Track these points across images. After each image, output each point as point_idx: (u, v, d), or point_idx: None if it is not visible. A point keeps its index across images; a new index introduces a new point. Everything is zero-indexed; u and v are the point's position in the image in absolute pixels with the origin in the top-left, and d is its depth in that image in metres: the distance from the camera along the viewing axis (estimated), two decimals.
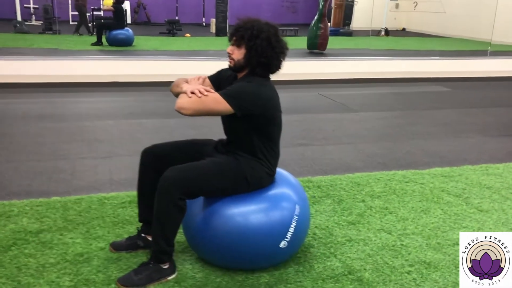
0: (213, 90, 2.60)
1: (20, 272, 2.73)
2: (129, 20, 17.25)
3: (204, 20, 18.95)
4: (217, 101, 2.54)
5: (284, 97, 8.06)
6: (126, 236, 3.13)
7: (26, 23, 14.40)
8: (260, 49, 2.63)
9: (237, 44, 2.68)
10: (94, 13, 14.92)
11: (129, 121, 6.21)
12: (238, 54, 2.68)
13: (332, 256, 3.03)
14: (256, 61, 2.66)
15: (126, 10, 13.19)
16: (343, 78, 9.89)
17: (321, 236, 3.28)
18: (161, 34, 15.71)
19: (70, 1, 15.85)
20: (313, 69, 10.27)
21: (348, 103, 7.82)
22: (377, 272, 2.87)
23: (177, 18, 17.50)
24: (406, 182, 4.31)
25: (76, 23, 14.37)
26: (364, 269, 2.90)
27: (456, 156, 5.16)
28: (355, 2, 18.72)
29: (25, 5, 14.75)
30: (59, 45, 10.48)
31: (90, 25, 14.18)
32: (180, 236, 3.06)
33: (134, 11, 19.09)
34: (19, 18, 14.00)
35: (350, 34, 17.89)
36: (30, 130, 5.60)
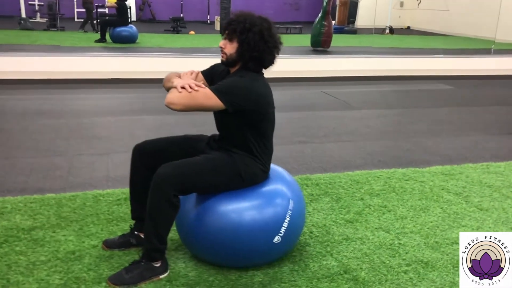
0: (203, 85, 2.55)
1: (10, 270, 2.69)
2: (134, 18, 17.28)
3: (208, 18, 18.94)
4: (208, 97, 2.50)
5: (286, 94, 7.95)
6: (120, 233, 3.09)
7: (31, 20, 14.42)
8: (253, 43, 2.58)
9: (229, 38, 2.64)
10: (99, 10, 14.91)
11: (129, 117, 6.17)
12: (231, 48, 2.63)
13: (328, 255, 2.98)
14: (248, 55, 2.61)
15: (130, 7, 13.18)
16: (346, 76, 9.83)
17: (317, 234, 3.23)
18: (166, 31, 15.70)
19: None
20: (316, 67, 10.23)
21: (350, 100, 7.76)
22: (374, 271, 2.82)
23: (182, 15, 17.49)
24: (406, 180, 4.25)
25: (81, 20, 14.38)
26: (360, 268, 2.85)
27: (457, 154, 5.10)
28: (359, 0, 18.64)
29: (29, 2, 14.75)
30: (62, 42, 10.46)
31: (95, 22, 14.18)
32: (173, 234, 3.03)
33: (139, 8, 19.11)
34: (23, 15, 14.00)
35: (354, 32, 17.82)
36: (28, 127, 5.58)
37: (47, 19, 14.14)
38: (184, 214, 2.72)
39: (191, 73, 2.82)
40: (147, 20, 19.08)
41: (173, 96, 2.48)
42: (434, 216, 3.57)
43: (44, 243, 2.98)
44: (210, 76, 2.86)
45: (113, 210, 3.46)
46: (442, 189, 4.07)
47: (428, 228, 3.38)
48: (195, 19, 18.96)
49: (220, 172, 2.64)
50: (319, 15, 12.32)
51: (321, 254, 2.99)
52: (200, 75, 2.87)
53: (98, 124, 5.79)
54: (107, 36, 12.17)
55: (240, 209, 2.66)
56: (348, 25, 18.55)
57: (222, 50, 2.68)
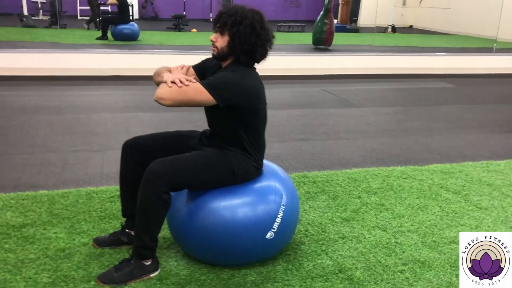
0: (194, 80, 2.49)
1: None
2: (136, 15, 17.24)
3: (211, 16, 18.91)
4: (198, 91, 2.44)
5: (287, 92, 7.91)
6: (111, 231, 3.04)
7: (34, 17, 14.40)
8: (244, 36, 2.52)
9: (220, 31, 2.58)
10: (100, 8, 14.87)
11: (126, 114, 6.13)
12: (222, 41, 2.57)
13: (323, 254, 2.93)
14: (240, 49, 2.55)
15: (132, 5, 13.14)
16: (347, 74, 9.77)
17: (313, 233, 3.18)
18: (168, 29, 15.66)
19: None
20: (317, 65, 10.17)
21: (350, 98, 7.71)
22: (369, 270, 2.77)
23: (184, 13, 17.45)
24: (404, 178, 4.19)
25: (84, 17, 14.35)
26: (356, 267, 2.80)
27: (456, 153, 5.04)
28: None
29: (32, 0, 14.75)
30: (62, 39, 10.41)
31: (97, 20, 14.17)
32: (165, 232, 2.98)
33: (142, 6, 19.08)
34: (25, 12, 13.96)
35: (357, 30, 17.73)
36: (26, 123, 5.54)
37: (49, 16, 14.11)
38: (176, 211, 2.67)
39: (182, 68, 2.77)
40: (150, 18, 19.06)
41: (163, 91, 2.42)
42: (432, 214, 3.52)
43: (34, 240, 2.93)
44: (202, 70, 2.81)
45: (106, 207, 3.41)
46: (441, 188, 4.02)
47: (425, 227, 3.33)
48: (197, 17, 18.93)
49: (212, 168, 2.59)
50: (321, 13, 12.27)
51: (316, 253, 2.94)
52: (191, 69, 2.82)
53: (95, 120, 5.74)
54: (109, 34, 12.13)
55: (232, 205, 2.61)
56: (350, 23, 18.49)
57: (213, 44, 2.62)
